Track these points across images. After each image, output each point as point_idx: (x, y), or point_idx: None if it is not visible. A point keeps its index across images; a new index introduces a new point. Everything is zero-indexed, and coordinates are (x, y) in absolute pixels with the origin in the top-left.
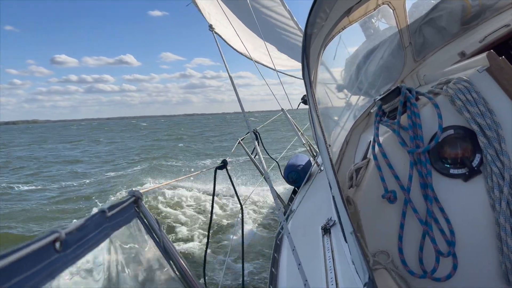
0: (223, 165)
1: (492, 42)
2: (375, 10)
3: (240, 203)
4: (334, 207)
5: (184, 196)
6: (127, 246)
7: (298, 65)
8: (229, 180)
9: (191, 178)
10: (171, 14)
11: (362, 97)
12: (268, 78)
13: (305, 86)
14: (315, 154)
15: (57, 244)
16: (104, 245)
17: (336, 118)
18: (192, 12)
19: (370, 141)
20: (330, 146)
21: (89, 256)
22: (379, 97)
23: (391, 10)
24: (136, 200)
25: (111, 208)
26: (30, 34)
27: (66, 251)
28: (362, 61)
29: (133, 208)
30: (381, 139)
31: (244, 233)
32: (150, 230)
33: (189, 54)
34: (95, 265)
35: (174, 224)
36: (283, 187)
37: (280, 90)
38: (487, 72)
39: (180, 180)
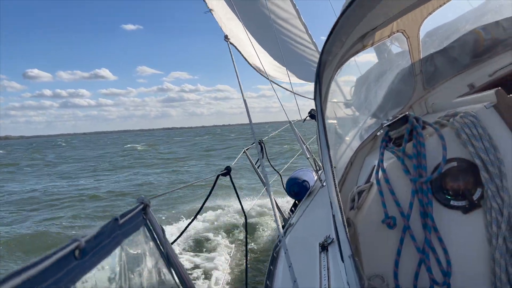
0: (227, 172)
1: (502, 77)
2: (389, 37)
3: (244, 212)
4: (333, 226)
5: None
6: (134, 252)
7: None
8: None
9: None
10: (145, 28)
11: (369, 118)
12: (267, 87)
13: (316, 110)
14: (318, 168)
15: (77, 252)
16: (115, 251)
17: (341, 132)
18: (167, 25)
19: (375, 165)
20: (335, 167)
21: (102, 263)
22: (387, 123)
23: (405, 38)
24: (144, 207)
25: (122, 216)
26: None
27: (84, 258)
28: (372, 82)
29: (141, 216)
30: (385, 164)
31: (245, 235)
32: (154, 237)
33: (166, 67)
34: (107, 271)
35: (174, 232)
36: (285, 199)
37: (274, 99)
38: (494, 109)
39: (185, 187)
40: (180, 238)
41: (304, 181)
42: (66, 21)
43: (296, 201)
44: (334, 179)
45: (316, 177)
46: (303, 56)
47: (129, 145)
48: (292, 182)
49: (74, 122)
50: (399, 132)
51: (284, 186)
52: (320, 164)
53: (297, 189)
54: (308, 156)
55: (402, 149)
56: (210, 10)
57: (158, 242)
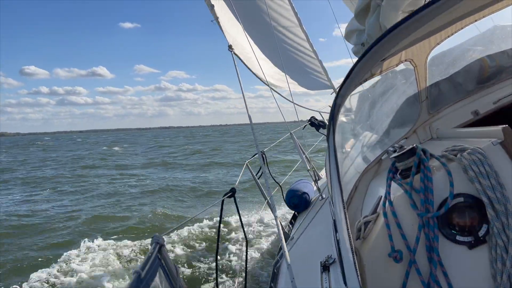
0: (232, 193)
1: (506, 105)
2: (397, 65)
3: (245, 235)
4: (336, 247)
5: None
6: None
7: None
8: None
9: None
10: (143, 26)
11: (373, 139)
12: (264, 87)
13: (328, 148)
14: (317, 179)
15: None
16: None
17: (343, 147)
18: (165, 24)
19: (380, 194)
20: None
21: None
22: (393, 155)
23: (412, 67)
24: (160, 247)
25: (143, 267)
26: None
27: None
28: (376, 101)
29: (157, 259)
30: (392, 197)
31: (245, 258)
32: (168, 275)
33: (163, 66)
34: None
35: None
36: (285, 210)
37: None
38: (501, 146)
39: (196, 216)
40: (184, 266)
41: (304, 193)
42: (63, 19)
43: (296, 213)
44: (345, 214)
45: (315, 188)
46: (304, 64)
47: (105, 148)
48: (292, 194)
49: (71, 120)
50: (406, 164)
51: (284, 198)
52: (319, 174)
53: (297, 201)
54: (309, 168)
55: (410, 183)
56: (216, 19)
57: (172, 280)
